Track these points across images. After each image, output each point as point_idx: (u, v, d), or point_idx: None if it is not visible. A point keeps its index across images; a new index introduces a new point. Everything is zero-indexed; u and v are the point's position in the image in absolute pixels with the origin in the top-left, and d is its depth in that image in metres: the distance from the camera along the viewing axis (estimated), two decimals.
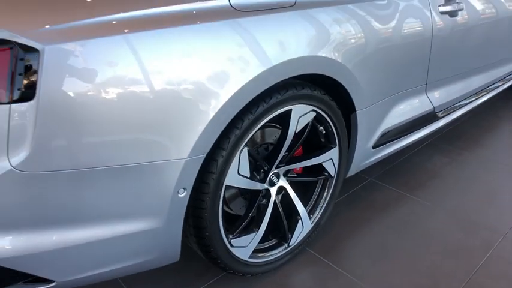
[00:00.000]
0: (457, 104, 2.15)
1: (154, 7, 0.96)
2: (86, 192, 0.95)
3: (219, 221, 1.20)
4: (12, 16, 0.85)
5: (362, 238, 1.62)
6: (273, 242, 1.46)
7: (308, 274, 1.47)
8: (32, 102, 0.84)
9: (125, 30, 0.91)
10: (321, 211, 1.54)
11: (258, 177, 1.32)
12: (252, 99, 1.11)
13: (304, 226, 1.49)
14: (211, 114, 1.02)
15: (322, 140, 1.46)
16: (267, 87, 1.12)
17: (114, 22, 0.91)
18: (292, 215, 1.45)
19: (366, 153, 1.67)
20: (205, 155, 1.06)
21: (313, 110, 1.33)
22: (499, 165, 2.15)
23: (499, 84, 2.51)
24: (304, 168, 1.49)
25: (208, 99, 1.01)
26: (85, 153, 0.92)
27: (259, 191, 1.34)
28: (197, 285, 1.40)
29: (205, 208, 1.14)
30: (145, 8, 0.95)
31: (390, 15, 1.50)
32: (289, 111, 1.26)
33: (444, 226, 1.69)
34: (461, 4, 1.83)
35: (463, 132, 2.49)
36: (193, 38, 0.98)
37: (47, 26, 0.85)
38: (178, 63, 0.96)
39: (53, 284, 1.03)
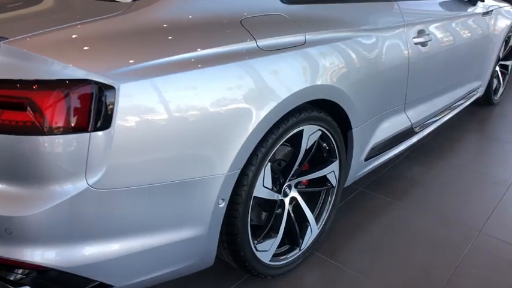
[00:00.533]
0: (430, 120, 2.44)
1: (203, 49, 1.16)
2: (147, 205, 1.12)
3: (247, 228, 1.39)
4: (93, 58, 1.02)
5: (360, 240, 1.84)
6: (287, 246, 1.65)
7: (318, 274, 1.66)
8: (107, 131, 1.01)
9: (180, 70, 1.10)
10: (326, 217, 1.75)
11: (275, 188, 1.52)
12: (274, 122, 1.32)
13: (313, 231, 1.69)
14: (246, 136, 1.22)
15: (325, 154, 1.68)
16: (288, 110, 1.34)
17: (170, 63, 1.10)
18: (302, 222, 1.65)
19: (360, 165, 1.90)
20: (239, 170, 1.26)
21: (319, 129, 1.56)
22: (469, 172, 2.44)
23: (462, 101, 2.85)
24: (310, 180, 1.70)
25: (244, 124, 1.21)
26: (148, 172, 1.09)
27: (275, 201, 1.53)
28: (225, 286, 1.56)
29: (238, 217, 1.33)
30: (195, 51, 1.15)
31: (376, 47, 1.76)
32: (301, 131, 1.47)
33: (428, 225, 1.94)
34: (430, 36, 2.14)
35: (437, 145, 2.79)
36: (233, 73, 1.19)
37: (122, 68, 1.03)
38: (222, 96, 1.17)
39: None
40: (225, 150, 1.20)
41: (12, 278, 1.08)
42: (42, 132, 0.98)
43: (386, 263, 1.70)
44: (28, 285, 1.08)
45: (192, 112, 1.12)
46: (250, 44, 1.27)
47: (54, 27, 1.06)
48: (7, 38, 0.99)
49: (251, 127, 1.23)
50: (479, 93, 3.14)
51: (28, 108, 0.97)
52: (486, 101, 3.40)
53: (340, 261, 1.71)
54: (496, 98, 3.51)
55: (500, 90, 3.56)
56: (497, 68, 3.36)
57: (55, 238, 1.05)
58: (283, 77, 1.32)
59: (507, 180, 2.33)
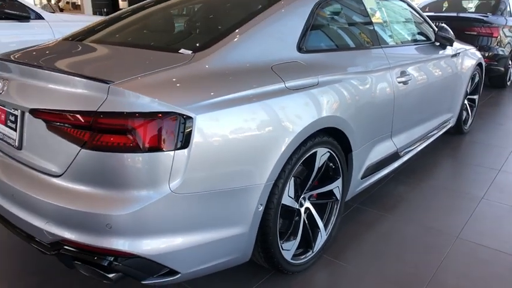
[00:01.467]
0: (412, 146, 2.87)
1: (249, 89, 1.55)
2: (208, 207, 1.47)
3: (277, 230, 1.74)
4: (176, 96, 1.39)
5: (359, 245, 2.20)
6: (302, 249, 1.99)
7: (326, 271, 2.00)
8: (186, 150, 1.37)
9: (234, 105, 1.49)
10: (332, 225, 2.11)
11: (295, 199, 1.88)
12: (298, 145, 1.70)
13: (322, 236, 2.04)
14: (279, 155, 1.60)
15: (331, 173, 2.06)
16: (307, 135, 1.73)
17: (228, 100, 1.48)
18: (314, 228, 2.01)
19: (357, 183, 2.29)
20: (273, 181, 1.62)
21: (328, 151, 1.94)
22: (446, 190, 2.86)
23: (437, 130, 3.31)
24: (319, 193, 2.07)
25: (278, 145, 1.59)
26: (211, 181, 1.45)
27: (294, 210, 1.89)
28: (252, 283, 1.88)
29: (270, 219, 1.68)
30: (244, 90, 1.54)
31: (370, 85, 2.20)
32: (315, 152, 1.86)
33: (415, 233, 2.32)
34: (410, 75, 2.60)
35: (417, 168, 3.22)
36: (271, 106, 1.58)
37: (196, 104, 1.40)
38: (264, 124, 1.55)
39: (178, 275, 1.49)
40: (264, 165, 1.57)
41: (105, 264, 1.39)
42: (140, 151, 1.33)
43: (382, 263, 2.06)
44: (119, 270, 1.40)
45: (243, 136, 1.50)
46: (281, 85, 1.67)
47: (144, 73, 1.43)
48: (113, 81, 1.36)
49: (283, 148, 1.61)
50: (451, 124, 3.62)
51: (130, 133, 1.32)
52: (457, 130, 3.89)
53: (344, 261, 2.07)
54: (466, 128, 4.02)
55: (469, 120, 4.08)
56: (466, 102, 3.87)
57: (143, 232, 1.38)
58: (304, 110, 1.72)
59: (478, 196, 2.75)
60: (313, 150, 1.84)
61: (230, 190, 1.50)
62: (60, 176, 1.44)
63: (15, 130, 1.62)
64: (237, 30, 1.73)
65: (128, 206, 1.35)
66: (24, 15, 4.47)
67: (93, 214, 1.35)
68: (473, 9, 6.39)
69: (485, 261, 2.08)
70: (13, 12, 4.37)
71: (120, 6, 16.18)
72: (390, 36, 2.70)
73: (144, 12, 2.49)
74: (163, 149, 1.35)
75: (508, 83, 6.23)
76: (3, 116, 1.70)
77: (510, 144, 3.79)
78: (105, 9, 15.52)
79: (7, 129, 1.67)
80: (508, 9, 6.05)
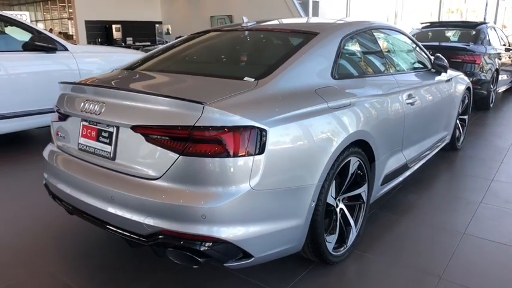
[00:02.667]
0: (417, 159, 3.29)
1: (302, 108, 1.95)
2: (277, 201, 1.83)
3: (323, 224, 2.09)
4: (253, 113, 1.77)
5: (381, 242, 2.56)
6: (338, 244, 2.34)
7: (358, 263, 2.35)
8: (262, 155, 1.74)
9: (294, 120, 1.88)
10: (360, 224, 2.47)
11: (334, 199, 2.25)
12: (338, 153, 2.09)
13: (353, 233, 2.40)
14: (326, 161, 1.98)
15: (359, 179, 2.44)
16: (345, 146, 2.11)
17: (289, 116, 1.87)
18: (347, 226, 2.37)
19: (378, 188, 2.68)
20: (322, 183, 2.00)
21: (358, 160, 2.33)
22: (448, 197, 3.27)
23: (435, 147, 3.74)
24: (350, 196, 2.44)
25: (327, 153, 1.98)
26: (280, 180, 1.81)
27: (332, 210, 2.25)
28: (297, 274, 2.22)
29: (319, 214, 2.04)
30: (299, 109, 1.93)
31: (387, 105, 2.62)
32: (349, 161, 2.24)
33: (427, 232, 2.70)
34: (416, 97, 3.04)
35: (421, 180, 3.63)
36: (321, 122, 1.98)
37: (268, 119, 1.78)
38: (317, 136, 1.94)
39: (252, 259, 1.83)
40: (316, 169, 1.95)
41: (200, 249, 1.72)
42: (228, 156, 1.69)
43: (402, 255, 2.42)
44: (208, 255, 1.73)
45: (301, 145, 1.88)
46: (324, 105, 2.07)
47: (225, 96, 1.81)
48: (206, 102, 1.73)
49: (329, 155, 2.00)
50: (447, 141, 4.07)
51: (220, 142, 1.69)
52: (452, 146, 4.35)
53: (372, 254, 2.42)
54: (459, 144, 4.48)
55: (461, 138, 4.55)
56: (458, 121, 4.34)
57: (230, 221, 1.72)
58: (343, 125, 2.12)
59: (477, 201, 3.16)
60: (348, 159, 2.22)
61: (292, 188, 1.87)
62: (158, 178, 1.78)
63: (109, 144, 1.97)
64: (286, 62, 2.15)
65: (219, 200, 1.70)
66: (51, 47, 4.83)
67: (191, 207, 1.70)
68: (456, 39, 7.02)
69: (489, 251, 2.46)
70: (42, 44, 4.74)
71: (114, 37, 16.74)
72: (397, 64, 3.15)
73: (196, 46, 2.92)
74: (246, 155, 1.72)
75: (491, 105, 6.81)
76: (94, 133, 2.05)
77: (499, 158, 4.25)
78: (99, 39, 16.01)
79: (99, 144, 2.02)
80: (487, 38, 6.70)
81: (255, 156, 1.73)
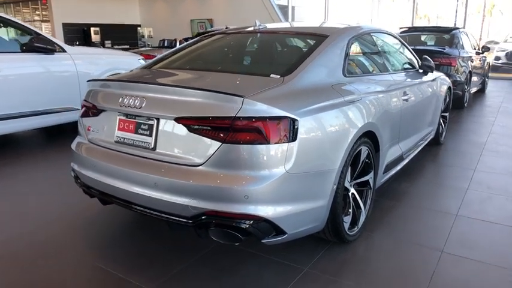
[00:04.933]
0: (410, 151, 3.60)
1: (324, 101, 2.19)
2: (306, 183, 2.06)
3: (341, 205, 2.34)
4: (286, 105, 1.99)
5: (385, 223, 2.84)
6: (351, 225, 2.59)
7: (368, 241, 2.61)
8: (295, 142, 1.97)
9: (318, 112, 2.12)
10: (368, 207, 2.74)
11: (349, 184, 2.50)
12: (354, 142, 2.35)
13: (363, 215, 2.66)
14: (345, 147, 2.23)
15: (366, 167, 2.71)
16: (359, 136, 2.37)
17: (315, 108, 2.11)
18: (358, 209, 2.63)
19: (381, 176, 2.96)
20: (341, 168, 2.24)
21: (367, 149, 2.60)
22: (437, 185, 3.59)
23: (423, 141, 4.07)
24: (359, 182, 2.70)
25: (346, 140, 2.24)
26: (309, 164, 2.05)
27: (347, 193, 2.50)
28: (317, 252, 2.45)
29: (338, 196, 2.28)
30: (321, 102, 2.18)
31: (388, 100, 2.90)
32: (360, 150, 2.50)
33: (422, 214, 2.99)
34: (410, 95, 3.35)
35: (412, 170, 3.95)
36: (340, 113, 2.23)
37: (298, 110, 2.02)
38: (338, 125, 2.19)
39: (285, 236, 2.05)
40: (337, 155, 2.20)
41: (240, 226, 1.93)
42: (266, 143, 1.91)
43: (403, 234, 2.70)
44: (249, 232, 1.94)
45: (325, 133, 2.13)
46: (341, 99, 2.33)
47: (259, 90, 2.03)
48: (245, 96, 1.94)
49: (347, 143, 2.25)
50: (432, 135, 4.42)
51: (259, 131, 1.91)
52: (435, 141, 4.71)
53: (378, 234, 2.69)
54: (441, 139, 4.86)
55: (444, 133, 4.93)
56: (440, 118, 4.71)
57: (268, 201, 1.94)
58: (357, 117, 2.38)
59: (464, 187, 3.49)
60: (360, 148, 2.48)
61: (319, 172, 2.11)
62: (201, 165, 1.98)
63: (149, 136, 2.15)
64: (305, 61, 2.39)
65: (259, 182, 1.92)
66: (50, 48, 4.90)
67: (235, 189, 1.91)
68: (432, 43, 7.49)
69: (480, 228, 2.78)
70: (41, 45, 4.80)
71: (93, 40, 16.60)
72: (393, 64, 3.46)
73: (215, 46, 3.15)
74: (281, 142, 1.94)
75: (465, 105, 7.30)
76: (132, 126, 2.22)
77: (477, 151, 4.64)
78: (77, 42, 15.83)
79: (139, 136, 2.19)
80: (461, 42, 7.18)
81: (289, 143, 1.96)
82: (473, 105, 7.80)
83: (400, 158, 3.34)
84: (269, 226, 1.98)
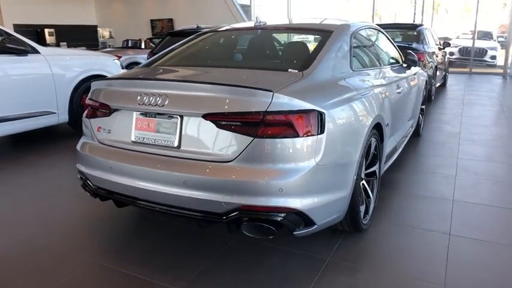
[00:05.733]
0: (401, 143, 3.76)
1: (340, 95, 2.25)
2: (332, 174, 2.11)
3: (360, 194, 2.40)
4: (313, 99, 2.03)
5: (387, 210, 2.95)
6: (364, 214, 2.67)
7: (378, 228, 2.70)
8: (323, 135, 2.02)
9: (338, 105, 2.17)
10: (375, 196, 2.83)
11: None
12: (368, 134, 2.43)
13: (372, 204, 2.75)
14: (362, 140, 2.31)
15: (373, 158, 2.80)
16: (372, 127, 2.45)
17: (336, 101, 2.16)
18: (367, 198, 2.71)
19: (382, 166, 3.07)
20: (360, 159, 2.31)
21: (375, 141, 2.69)
22: (425, 172, 3.77)
23: (409, 132, 4.26)
24: (367, 172, 2.78)
25: (363, 132, 2.31)
26: (335, 156, 2.10)
27: (361, 183, 2.58)
28: (334, 242, 2.51)
29: (357, 186, 2.35)
30: (338, 96, 2.23)
31: (389, 93, 3.01)
32: (371, 141, 2.59)
33: (418, 199, 3.14)
34: (401, 88, 3.49)
35: (399, 160, 4.11)
36: (357, 104, 2.30)
37: (324, 103, 2.06)
38: (358, 116, 2.25)
39: (315, 226, 2.09)
40: (357, 147, 2.27)
41: (274, 219, 1.94)
42: (297, 136, 1.94)
43: (406, 216, 2.82)
44: (282, 224, 1.96)
45: (347, 124, 2.20)
46: (355, 92, 2.40)
47: (285, 85, 2.05)
48: (273, 90, 1.96)
49: (364, 134, 2.33)
50: (413, 127, 4.63)
51: (290, 124, 1.93)
52: (416, 133, 4.93)
53: (385, 222, 2.79)
54: (421, 131, 5.09)
55: (422, 125, 5.17)
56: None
57: (301, 193, 1.97)
58: (370, 109, 2.46)
59: (452, 174, 3.69)
60: (371, 139, 2.57)
61: (343, 163, 2.17)
62: (232, 160, 1.98)
63: (172, 134, 2.11)
64: (318, 56, 2.44)
65: (292, 175, 1.94)
66: (23, 49, 4.66)
67: (270, 182, 1.92)
68: (399, 39, 7.81)
69: (477, 211, 2.96)
70: (14, 46, 4.55)
71: (48, 41, 15.84)
72: (384, 59, 3.59)
73: (220, 42, 3.14)
74: (311, 135, 1.98)
75: (432, 98, 7.68)
76: (152, 125, 2.18)
77: (455, 141, 4.91)
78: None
79: (160, 134, 2.15)
80: (426, 39, 7.55)
81: (318, 136, 2.00)
82: (439, 98, 8.22)
83: (395, 149, 3.47)
84: (300, 218, 2.01)
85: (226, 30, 3.27)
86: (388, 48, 3.98)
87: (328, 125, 2.05)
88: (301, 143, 1.96)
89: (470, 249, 2.46)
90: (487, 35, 16.00)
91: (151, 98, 2.13)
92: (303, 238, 2.46)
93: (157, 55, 3.01)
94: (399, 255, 2.41)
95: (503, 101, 7.83)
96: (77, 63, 5.22)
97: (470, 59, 13.28)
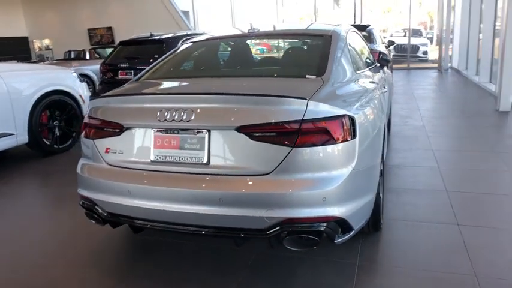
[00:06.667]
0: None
1: (362, 99, 2.26)
2: (365, 177, 2.11)
3: (379, 194, 2.44)
4: (342, 105, 2.01)
5: (389, 212, 3.04)
6: None
7: (390, 226, 2.76)
8: (356, 139, 2.01)
9: (362, 108, 2.18)
10: (382, 193, 2.89)
11: None
12: None
13: (382, 200, 2.81)
14: (382, 140, 2.33)
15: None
16: (385, 125, 2.50)
17: (358, 105, 2.17)
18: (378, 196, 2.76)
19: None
20: (380, 159, 2.34)
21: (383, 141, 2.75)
22: (421, 167, 3.93)
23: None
24: None
25: (381, 135, 2.34)
26: (366, 159, 2.10)
27: None
28: (355, 246, 2.52)
29: (380, 186, 2.38)
30: (360, 100, 2.24)
31: (381, 91, 3.09)
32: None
33: (419, 194, 3.26)
34: (386, 87, 3.61)
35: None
36: (376, 107, 2.32)
37: (351, 108, 2.06)
38: (376, 119, 2.28)
39: (352, 232, 2.07)
40: (380, 148, 2.31)
41: (318, 229, 1.90)
42: (335, 142, 1.92)
43: (412, 214, 2.92)
44: (325, 233, 1.92)
45: (371, 128, 2.21)
46: (368, 93, 2.43)
47: (313, 91, 2.02)
48: (306, 98, 1.92)
49: (382, 134, 2.36)
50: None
51: (326, 131, 1.91)
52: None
53: (393, 220, 2.87)
54: (390, 126, 5.31)
55: (391, 120, 5.39)
56: None
57: (342, 200, 1.95)
58: (383, 109, 2.51)
59: (434, 165, 3.88)
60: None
61: (371, 165, 2.18)
62: (269, 173, 1.90)
63: (200, 149, 1.99)
64: (329, 60, 2.43)
65: (334, 182, 1.91)
66: None
67: (314, 192, 1.87)
68: None
69: (474, 198, 3.13)
70: None
71: None
72: (368, 60, 3.69)
73: (217, 52, 3.01)
74: (346, 139, 1.96)
75: None
76: (175, 142, 2.04)
77: (423, 133, 5.16)
78: None
79: (185, 151, 2.02)
80: (376, 39, 7.92)
81: (352, 141, 1.99)
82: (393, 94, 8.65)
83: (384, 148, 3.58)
84: (340, 224, 1.98)
85: (223, 38, 3.17)
86: (366, 49, 4.10)
87: (358, 129, 2.05)
88: (338, 150, 1.94)
89: (484, 237, 2.58)
90: (417, 32, 17.15)
91: (174, 113, 2.00)
92: (322, 245, 2.42)
93: (150, 68, 2.84)
94: (420, 250, 2.47)
95: (447, 93, 8.42)
96: (34, 78, 4.80)
97: (408, 56, 14.13)
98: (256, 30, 3.05)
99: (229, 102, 1.99)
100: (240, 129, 1.92)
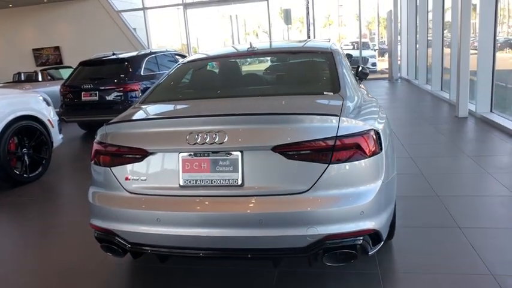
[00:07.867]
0: None
1: (375, 109, 2.35)
2: (390, 189, 2.18)
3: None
4: (368, 120, 2.08)
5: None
6: None
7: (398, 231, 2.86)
8: (383, 151, 2.08)
9: (380, 121, 2.26)
10: None
11: None
12: None
13: None
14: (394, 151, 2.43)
15: None
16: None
17: (374, 118, 2.25)
18: None
19: None
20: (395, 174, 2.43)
21: None
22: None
23: None
24: None
25: (393, 146, 2.42)
26: (390, 170, 2.17)
27: None
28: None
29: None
30: (376, 113, 2.33)
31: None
32: None
33: (417, 198, 3.41)
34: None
35: None
36: (385, 119, 2.41)
37: (373, 122, 2.12)
38: (389, 132, 2.36)
39: (381, 243, 2.12)
40: (395, 156, 2.38)
41: (356, 243, 1.93)
42: (367, 157, 1.97)
43: (411, 220, 3.05)
44: (361, 246, 1.95)
45: (389, 140, 2.29)
46: (377, 106, 2.52)
47: (341, 109, 2.07)
48: (337, 115, 1.96)
49: (394, 146, 2.45)
50: None
51: (358, 146, 1.96)
52: None
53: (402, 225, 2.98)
54: None
55: None
56: None
57: (376, 212, 1.99)
58: (388, 121, 2.61)
59: (417, 172, 4.08)
60: None
61: (393, 176, 2.25)
62: (307, 191, 1.92)
63: (233, 171, 1.96)
64: (339, 76, 2.51)
65: (369, 195, 1.96)
66: None
67: (352, 207, 1.91)
68: None
69: (467, 201, 3.32)
70: None
71: None
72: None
73: (224, 71, 2.99)
74: (376, 153, 2.03)
75: None
76: (206, 165, 2.00)
77: (398, 142, 5.40)
78: None
79: (218, 174, 1.98)
80: None
81: (380, 154, 2.06)
82: None
83: None
84: (373, 237, 2.02)
85: (226, 56, 3.15)
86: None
87: (383, 142, 2.12)
88: (370, 163, 1.99)
89: (488, 238, 2.74)
90: (365, 45, 18.06)
91: (205, 136, 1.96)
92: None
93: (153, 89, 2.76)
94: (433, 255, 2.58)
95: (405, 102, 8.90)
96: (0, 104, 4.47)
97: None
98: (255, 49, 3.08)
99: (264, 122, 1.99)
100: (275, 148, 1.93)
